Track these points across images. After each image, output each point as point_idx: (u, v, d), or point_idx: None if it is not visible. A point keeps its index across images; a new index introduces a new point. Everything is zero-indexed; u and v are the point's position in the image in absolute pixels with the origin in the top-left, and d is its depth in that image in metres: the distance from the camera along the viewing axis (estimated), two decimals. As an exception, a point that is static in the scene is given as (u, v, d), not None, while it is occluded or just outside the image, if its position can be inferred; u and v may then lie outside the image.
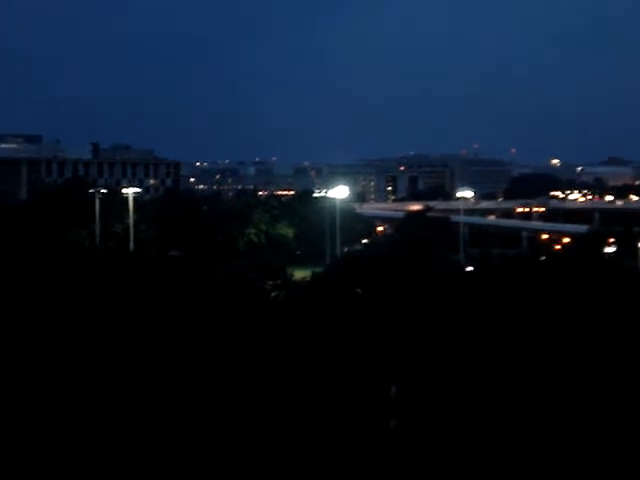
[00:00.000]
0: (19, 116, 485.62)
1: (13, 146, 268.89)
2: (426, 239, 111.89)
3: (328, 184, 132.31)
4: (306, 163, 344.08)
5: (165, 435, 27.66)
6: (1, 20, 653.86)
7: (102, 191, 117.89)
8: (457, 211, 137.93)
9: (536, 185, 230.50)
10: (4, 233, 76.48)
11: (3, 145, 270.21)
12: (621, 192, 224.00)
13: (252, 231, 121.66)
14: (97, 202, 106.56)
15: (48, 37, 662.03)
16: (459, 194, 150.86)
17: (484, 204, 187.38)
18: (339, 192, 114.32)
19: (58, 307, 36.89)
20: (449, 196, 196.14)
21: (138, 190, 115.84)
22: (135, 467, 27.00)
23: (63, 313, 36.02)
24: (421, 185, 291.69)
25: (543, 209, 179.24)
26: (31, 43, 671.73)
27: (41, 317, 35.24)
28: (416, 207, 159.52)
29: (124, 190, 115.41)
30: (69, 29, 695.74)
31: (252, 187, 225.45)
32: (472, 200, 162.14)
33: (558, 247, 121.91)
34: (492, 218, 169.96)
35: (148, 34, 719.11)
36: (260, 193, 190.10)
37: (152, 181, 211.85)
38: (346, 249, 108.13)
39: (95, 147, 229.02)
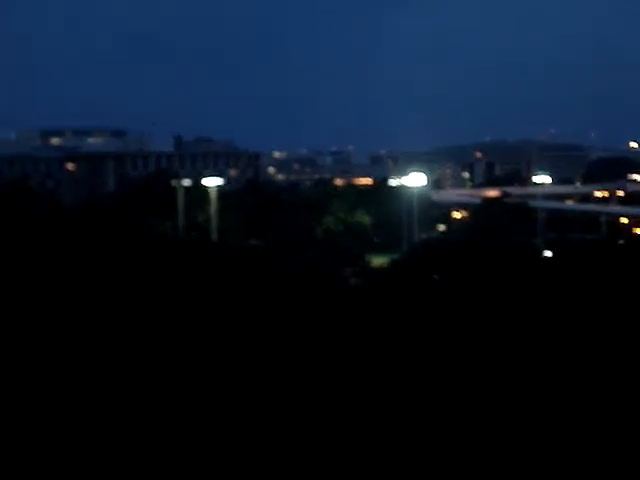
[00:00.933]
0: (105, 112, 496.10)
1: (100, 141, 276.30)
2: (503, 225, 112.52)
3: (404, 172, 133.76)
4: (382, 151, 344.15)
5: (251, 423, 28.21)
6: (87, 21, 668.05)
7: (185, 183, 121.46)
8: (534, 196, 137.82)
9: (615, 169, 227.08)
10: (92, 226, 79.79)
11: (90, 140, 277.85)
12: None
13: (330, 219, 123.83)
14: (180, 194, 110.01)
15: (130, 38, 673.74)
16: (536, 179, 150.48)
17: (562, 189, 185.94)
18: (415, 180, 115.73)
19: (144, 297, 38.38)
20: (526, 182, 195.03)
21: (219, 181, 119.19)
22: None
23: (148, 303, 37.40)
24: (498, 171, 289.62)
25: (622, 193, 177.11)
26: (115, 43, 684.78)
27: (127, 307, 36.55)
28: (493, 193, 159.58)
29: (206, 182, 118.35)
30: (150, 29, 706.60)
31: (329, 176, 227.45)
32: (549, 185, 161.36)
33: (637, 231, 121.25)
34: (570, 203, 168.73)
35: (223, 27, 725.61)
36: (337, 182, 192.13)
37: (233, 172, 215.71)
38: (423, 236, 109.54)
39: (178, 140, 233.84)
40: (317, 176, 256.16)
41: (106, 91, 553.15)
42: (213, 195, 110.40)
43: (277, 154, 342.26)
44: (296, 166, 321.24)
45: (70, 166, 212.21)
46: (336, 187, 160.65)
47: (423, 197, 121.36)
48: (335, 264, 68.54)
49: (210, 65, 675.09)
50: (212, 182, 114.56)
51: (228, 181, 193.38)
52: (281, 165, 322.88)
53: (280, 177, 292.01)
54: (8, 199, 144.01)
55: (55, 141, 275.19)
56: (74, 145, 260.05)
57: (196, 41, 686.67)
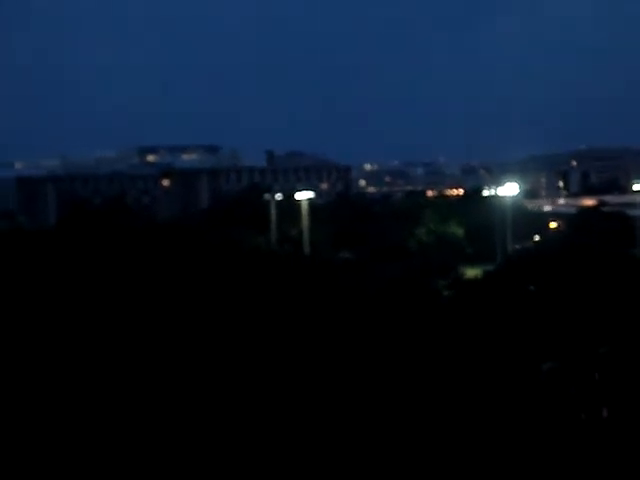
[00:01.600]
0: (199, 128, 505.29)
1: (194, 157, 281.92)
2: (601, 234, 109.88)
3: (498, 182, 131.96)
4: (475, 162, 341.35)
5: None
6: (181, 39, 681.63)
7: (277, 197, 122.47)
8: (634, 205, 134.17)
9: None
10: (185, 241, 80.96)
11: (185, 156, 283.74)
12: None
13: (422, 231, 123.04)
14: (272, 208, 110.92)
15: (222, 54, 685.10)
16: (635, 187, 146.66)
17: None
18: (509, 189, 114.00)
19: (237, 311, 38.66)
20: (624, 190, 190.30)
21: (311, 195, 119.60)
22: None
23: (242, 317, 37.65)
24: (594, 179, 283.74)
25: None
26: (209, 59, 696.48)
27: (220, 321, 36.82)
28: (589, 202, 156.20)
29: (298, 195, 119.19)
30: (241, 43, 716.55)
31: (421, 188, 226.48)
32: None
33: None
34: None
35: (309, 42, 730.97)
36: (429, 193, 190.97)
37: (324, 186, 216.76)
38: (517, 247, 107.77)
39: (270, 155, 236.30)
40: (409, 188, 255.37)
41: (201, 107, 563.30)
42: (305, 208, 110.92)
43: (368, 167, 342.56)
44: (387, 178, 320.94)
45: (165, 182, 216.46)
46: (428, 198, 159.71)
47: (517, 207, 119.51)
48: (427, 276, 67.86)
49: (301, 79, 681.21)
50: (304, 195, 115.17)
51: (319, 194, 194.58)
52: (372, 177, 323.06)
53: (371, 189, 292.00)
54: (107, 215, 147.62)
55: (151, 158, 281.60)
56: (169, 161, 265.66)
57: (285, 57, 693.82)
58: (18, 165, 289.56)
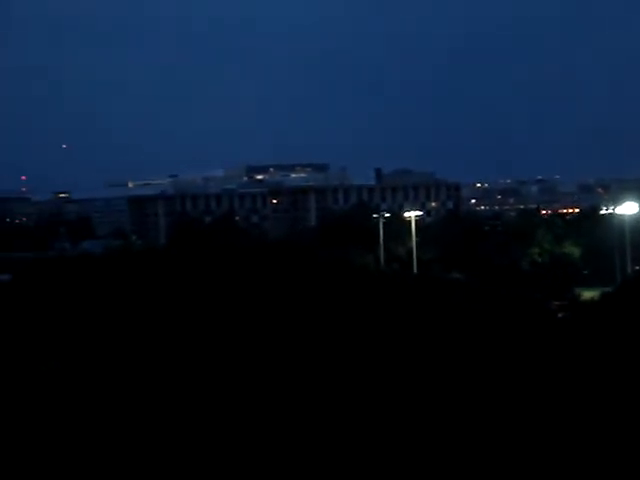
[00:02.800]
0: (308, 147, 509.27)
1: (302, 175, 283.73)
2: None
3: (616, 200, 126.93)
4: (591, 179, 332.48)
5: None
6: (291, 58, 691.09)
7: (385, 215, 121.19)
8: None
9: None
10: (293, 259, 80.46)
11: (293, 175, 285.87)
12: None
13: (535, 251, 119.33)
14: (381, 226, 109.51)
15: (329, 72, 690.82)
16: None
17: None
18: (628, 208, 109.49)
19: (343, 327, 37.94)
20: None
21: (419, 213, 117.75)
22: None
23: (348, 333, 36.94)
24: None
25: None
26: (322, 77, 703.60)
27: (324, 337, 36.27)
28: None
29: (406, 214, 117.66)
30: (350, 62, 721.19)
31: (535, 206, 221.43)
32: None
33: None
34: None
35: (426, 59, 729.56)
36: (543, 212, 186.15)
37: (433, 204, 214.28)
38: (637, 268, 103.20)
39: (378, 173, 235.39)
40: (521, 206, 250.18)
41: (310, 126, 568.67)
42: (413, 227, 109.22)
43: (478, 185, 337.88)
44: (498, 196, 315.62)
45: (273, 201, 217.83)
46: (542, 217, 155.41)
47: (636, 227, 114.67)
48: (542, 297, 65.48)
49: (410, 96, 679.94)
50: (412, 214, 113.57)
51: (428, 213, 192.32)
52: (483, 196, 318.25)
53: (482, 208, 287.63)
54: (216, 234, 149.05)
55: (260, 177, 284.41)
56: (278, 180, 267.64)
57: (392, 74, 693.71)
58: (131, 185, 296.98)
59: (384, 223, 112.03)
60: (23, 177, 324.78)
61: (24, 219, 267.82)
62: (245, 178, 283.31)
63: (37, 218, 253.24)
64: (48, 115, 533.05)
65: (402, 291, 52.75)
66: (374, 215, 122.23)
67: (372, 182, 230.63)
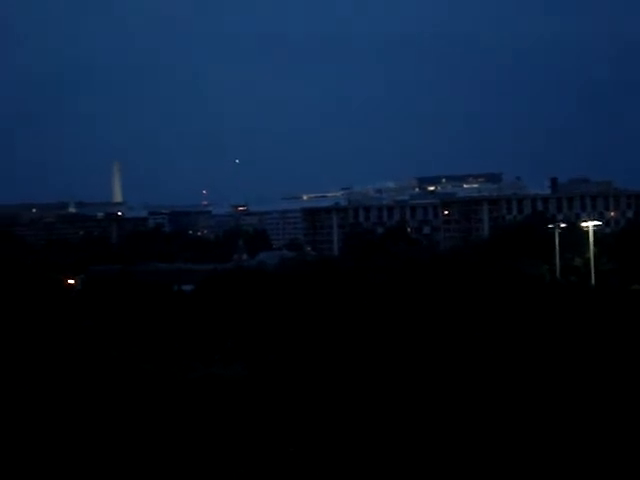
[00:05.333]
0: (481, 157, 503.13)
1: (475, 186, 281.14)
2: None
3: None
4: None
5: None
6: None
7: (561, 226, 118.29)
8: None
9: None
10: (466, 270, 79.95)
11: (465, 185, 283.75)
12: None
13: None
14: (556, 237, 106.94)
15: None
16: None
17: None
18: None
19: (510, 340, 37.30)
20: None
21: (598, 223, 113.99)
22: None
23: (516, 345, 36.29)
24: None
25: None
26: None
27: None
28: None
29: (583, 224, 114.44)
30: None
31: None
32: None
33: None
34: None
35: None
36: None
37: (612, 213, 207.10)
38: None
39: (554, 182, 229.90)
40: None
41: (482, 135, 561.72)
42: (591, 237, 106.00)
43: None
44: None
45: (445, 212, 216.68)
46: None
47: None
48: None
49: (587, 101, 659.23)
50: (590, 224, 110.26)
51: (607, 222, 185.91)
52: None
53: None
54: (387, 245, 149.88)
55: (431, 188, 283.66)
56: (449, 191, 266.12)
57: (574, 76, 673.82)
58: (305, 197, 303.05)
59: (560, 233, 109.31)
60: (204, 191, 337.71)
61: (205, 231, 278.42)
62: (417, 189, 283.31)
63: (217, 230, 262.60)
64: (225, 131, 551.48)
65: (579, 303, 51.49)
66: (549, 225, 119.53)
67: (547, 192, 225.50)
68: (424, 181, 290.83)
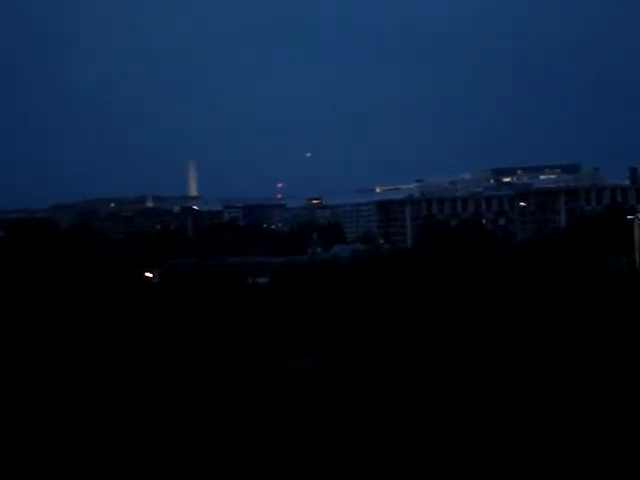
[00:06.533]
0: (558, 147, 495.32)
1: (551, 177, 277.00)
2: None
3: None
4: None
5: None
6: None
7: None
8: None
9: None
10: (543, 262, 78.79)
11: (542, 177, 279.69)
12: None
13: None
14: (636, 228, 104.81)
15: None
16: None
17: None
18: None
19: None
20: None
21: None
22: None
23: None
24: None
25: None
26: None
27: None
28: None
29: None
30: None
31: None
32: None
33: None
34: None
35: None
36: None
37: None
38: None
39: (633, 172, 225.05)
40: None
41: (559, 126, 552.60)
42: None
43: None
44: None
45: (521, 203, 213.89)
46: None
47: None
48: None
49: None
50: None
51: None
52: None
53: None
54: (461, 237, 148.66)
55: (507, 179, 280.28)
56: (525, 182, 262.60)
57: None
58: (378, 190, 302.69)
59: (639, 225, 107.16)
60: (279, 184, 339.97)
61: (279, 225, 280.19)
62: (492, 181, 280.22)
63: (291, 224, 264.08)
64: (299, 123, 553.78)
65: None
66: (629, 216, 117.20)
67: (626, 182, 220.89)
68: (499, 172, 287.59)
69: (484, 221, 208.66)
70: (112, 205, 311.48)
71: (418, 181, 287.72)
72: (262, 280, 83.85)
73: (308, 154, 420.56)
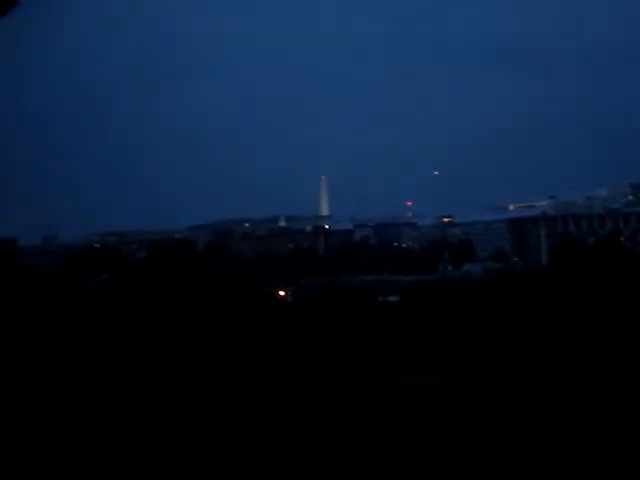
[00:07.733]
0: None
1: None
2: None
3: None
4: None
5: None
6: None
7: None
8: None
9: None
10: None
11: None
12: None
13: None
14: None
15: None
16: None
17: None
18: None
19: None
20: None
21: None
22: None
23: None
24: None
25: None
26: None
27: None
28: None
29: None
30: None
31: None
32: None
33: None
34: None
35: None
36: None
37: None
38: None
39: None
40: None
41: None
42: None
43: None
44: None
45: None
46: None
47: None
48: None
49: None
50: None
51: None
52: None
53: None
54: (599, 255, 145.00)
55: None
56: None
57: None
58: (511, 207, 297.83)
59: None
60: (408, 203, 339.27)
61: (410, 243, 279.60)
62: (630, 197, 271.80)
63: (422, 242, 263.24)
64: (427, 143, 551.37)
65: None
66: None
67: None
68: (638, 188, 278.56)
69: (623, 238, 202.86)
70: (246, 225, 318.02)
71: (551, 197, 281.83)
72: (393, 298, 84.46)
73: (435, 172, 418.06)
